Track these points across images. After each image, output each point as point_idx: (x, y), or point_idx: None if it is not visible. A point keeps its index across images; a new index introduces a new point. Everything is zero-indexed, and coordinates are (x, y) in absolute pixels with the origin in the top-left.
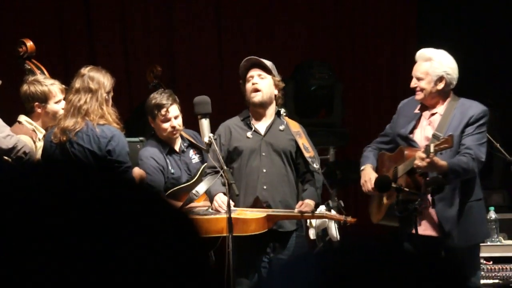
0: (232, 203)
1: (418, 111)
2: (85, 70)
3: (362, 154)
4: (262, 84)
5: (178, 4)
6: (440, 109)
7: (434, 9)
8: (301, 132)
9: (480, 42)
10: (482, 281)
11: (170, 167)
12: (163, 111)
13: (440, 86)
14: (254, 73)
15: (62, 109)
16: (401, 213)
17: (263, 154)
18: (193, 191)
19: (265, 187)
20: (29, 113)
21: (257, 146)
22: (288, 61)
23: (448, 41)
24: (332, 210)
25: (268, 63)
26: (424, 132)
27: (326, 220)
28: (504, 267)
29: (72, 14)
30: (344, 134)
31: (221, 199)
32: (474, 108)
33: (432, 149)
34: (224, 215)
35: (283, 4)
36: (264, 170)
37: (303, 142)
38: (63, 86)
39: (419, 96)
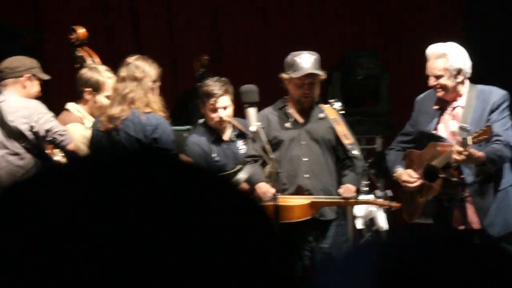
0: (272, 191)
1: (438, 107)
2: (131, 59)
3: (386, 157)
4: (313, 91)
5: None
6: (461, 101)
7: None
8: (338, 119)
9: None
10: None
11: (214, 154)
12: (212, 100)
13: (460, 78)
14: (307, 81)
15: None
16: (449, 203)
17: (303, 143)
18: (233, 180)
19: (306, 175)
20: (78, 98)
21: (296, 135)
22: (335, 50)
23: (497, 29)
24: (380, 200)
25: (320, 72)
26: (448, 127)
27: (374, 209)
28: None
29: (117, 2)
30: (391, 124)
31: (263, 188)
32: (495, 94)
33: (470, 142)
34: (266, 203)
35: None
36: (305, 159)
37: (342, 129)
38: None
39: (440, 93)
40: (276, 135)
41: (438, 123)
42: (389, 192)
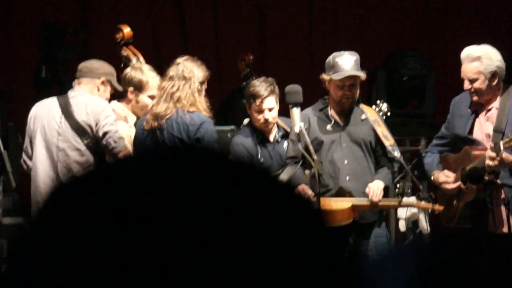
0: (311, 194)
1: (473, 109)
2: (180, 60)
3: (423, 161)
4: (354, 92)
5: None
6: (496, 103)
7: None
8: (379, 120)
9: None
10: None
11: (259, 156)
12: (257, 102)
13: (494, 81)
14: (348, 82)
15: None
16: (492, 206)
17: (344, 145)
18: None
19: (348, 178)
20: (122, 97)
21: (337, 137)
22: (380, 49)
23: None
24: (423, 202)
25: (360, 73)
26: (483, 129)
27: (417, 211)
28: None
29: (164, 1)
30: (435, 125)
31: (303, 190)
32: None
33: (502, 147)
34: None
35: None
36: (346, 161)
37: (382, 130)
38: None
39: (475, 97)
40: (316, 137)
41: (473, 126)
42: (433, 194)
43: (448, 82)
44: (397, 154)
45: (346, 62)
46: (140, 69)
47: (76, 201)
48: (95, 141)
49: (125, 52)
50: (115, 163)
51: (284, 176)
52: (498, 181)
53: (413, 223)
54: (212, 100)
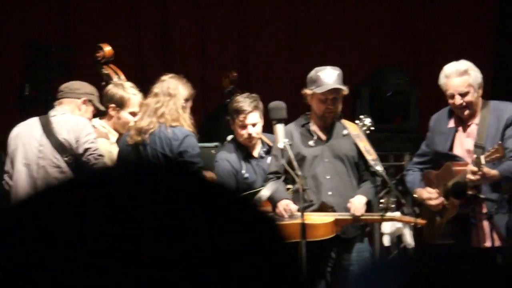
0: (295, 208)
1: (453, 126)
2: (165, 77)
3: (405, 179)
4: (336, 106)
5: (253, 10)
6: (476, 119)
7: None
8: (361, 135)
9: None
10: None
11: (244, 171)
12: (241, 117)
13: (480, 93)
14: (331, 96)
15: (134, 122)
16: (475, 221)
17: (326, 160)
18: (256, 198)
19: (330, 193)
20: (103, 114)
21: (319, 152)
22: (364, 65)
23: None
24: (408, 217)
25: (343, 87)
26: (464, 146)
27: (401, 226)
28: None
29: (148, 19)
30: (419, 140)
31: (285, 205)
32: (509, 109)
33: (483, 161)
34: (291, 221)
35: (359, 9)
36: (328, 176)
37: (364, 144)
38: (144, 101)
39: (466, 112)
40: (299, 152)
41: (453, 142)
42: (417, 209)
43: (433, 97)
44: (379, 168)
45: (329, 76)
46: (122, 86)
47: (46, 210)
48: (75, 158)
49: (106, 70)
50: (86, 175)
51: (266, 191)
52: (481, 195)
53: (397, 237)
54: (197, 117)
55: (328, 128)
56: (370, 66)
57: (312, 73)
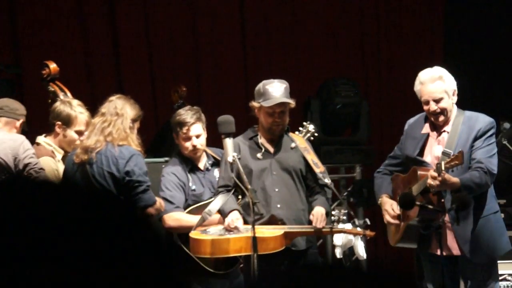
0: (241, 223)
1: (426, 132)
2: (113, 97)
3: (374, 181)
4: (283, 119)
5: (203, 23)
6: (448, 126)
7: (459, 26)
8: (308, 148)
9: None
10: None
11: (191, 184)
12: (184, 129)
13: (455, 99)
14: (278, 109)
15: (80, 140)
16: (425, 231)
17: (274, 173)
18: (206, 210)
19: (279, 205)
20: (49, 131)
21: (267, 165)
22: (313, 78)
23: (474, 57)
24: (358, 228)
25: (290, 100)
26: (433, 152)
27: (353, 238)
28: None
29: (97, 33)
30: (370, 152)
31: (233, 218)
32: (481, 121)
33: (443, 167)
34: (242, 235)
35: (308, 22)
36: (277, 189)
37: (312, 157)
38: (91, 119)
39: (441, 118)
40: (247, 165)
41: (424, 147)
42: (368, 221)
43: (383, 109)
44: (327, 181)
45: (276, 90)
46: (69, 104)
47: None
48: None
49: (52, 88)
50: None
51: (216, 204)
52: (429, 206)
53: (349, 249)
54: (147, 133)
55: (276, 141)
56: (318, 79)
57: (260, 86)
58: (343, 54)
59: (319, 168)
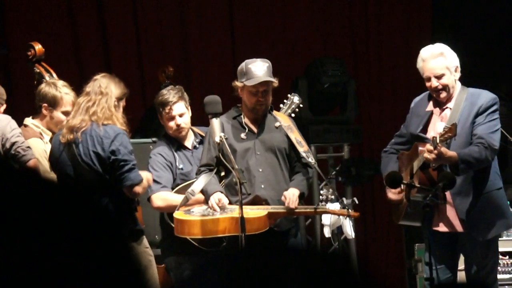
0: (227, 202)
1: (430, 109)
2: (98, 76)
3: (381, 160)
4: (267, 99)
5: (192, 5)
6: (450, 103)
7: (448, 4)
8: (292, 126)
9: (494, 36)
10: (498, 276)
11: (177, 163)
12: (167, 109)
13: (457, 75)
14: (262, 88)
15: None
16: (412, 210)
17: (258, 153)
18: (189, 190)
19: (263, 186)
20: (36, 113)
21: (251, 145)
22: (301, 58)
23: (463, 35)
24: (343, 209)
25: (273, 79)
26: (436, 128)
27: (341, 217)
28: None
29: (85, 16)
30: (358, 131)
31: (217, 199)
32: (483, 97)
33: (438, 140)
34: (227, 215)
35: (296, 2)
36: (260, 170)
37: (296, 136)
38: (77, 100)
39: (443, 95)
40: (231, 144)
41: (428, 124)
42: (356, 200)
43: (372, 88)
44: (311, 160)
45: (259, 69)
46: (55, 85)
47: None
48: (3, 154)
49: (38, 69)
50: None
51: (199, 183)
52: (417, 184)
53: (337, 229)
54: (136, 113)
55: (260, 121)
56: (306, 58)
57: (242, 66)
58: (331, 33)
59: (303, 147)
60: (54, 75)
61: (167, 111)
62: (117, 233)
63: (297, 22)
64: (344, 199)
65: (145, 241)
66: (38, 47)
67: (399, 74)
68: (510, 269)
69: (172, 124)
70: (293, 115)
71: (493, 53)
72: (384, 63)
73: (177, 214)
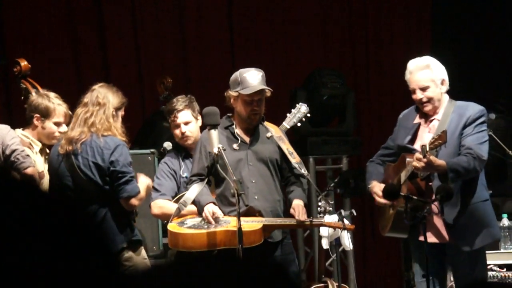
0: (221, 214)
1: (417, 121)
2: (95, 86)
3: (366, 169)
4: (261, 108)
5: (190, 15)
6: (438, 115)
7: (448, 18)
8: (283, 137)
9: (492, 49)
10: None
11: (182, 171)
12: (172, 116)
13: (443, 88)
14: (257, 97)
15: (60, 132)
16: (410, 221)
17: (250, 164)
18: (181, 201)
19: (256, 197)
20: (27, 124)
21: (243, 156)
22: (300, 70)
23: (462, 48)
24: (339, 221)
25: (268, 88)
26: (424, 140)
27: (339, 229)
28: None
29: (84, 27)
30: (357, 143)
31: (211, 210)
32: (471, 108)
33: (427, 148)
34: (222, 228)
35: (296, 13)
36: (253, 181)
37: (287, 147)
38: (70, 112)
39: (428, 107)
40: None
41: (415, 137)
42: (354, 212)
43: (370, 100)
44: (304, 172)
45: (254, 78)
46: (47, 96)
47: None
48: (2, 161)
49: (24, 84)
50: None
51: (191, 194)
52: (414, 197)
53: (335, 240)
54: (128, 125)
55: (252, 131)
56: (305, 70)
57: (237, 75)
58: (331, 45)
59: (294, 158)
60: (40, 90)
61: (172, 118)
62: (107, 246)
63: (296, 33)
64: (342, 211)
65: (143, 251)
66: (23, 63)
67: (398, 86)
68: (506, 282)
69: (177, 132)
70: (299, 124)
71: (492, 66)
72: (384, 75)
73: (170, 227)
